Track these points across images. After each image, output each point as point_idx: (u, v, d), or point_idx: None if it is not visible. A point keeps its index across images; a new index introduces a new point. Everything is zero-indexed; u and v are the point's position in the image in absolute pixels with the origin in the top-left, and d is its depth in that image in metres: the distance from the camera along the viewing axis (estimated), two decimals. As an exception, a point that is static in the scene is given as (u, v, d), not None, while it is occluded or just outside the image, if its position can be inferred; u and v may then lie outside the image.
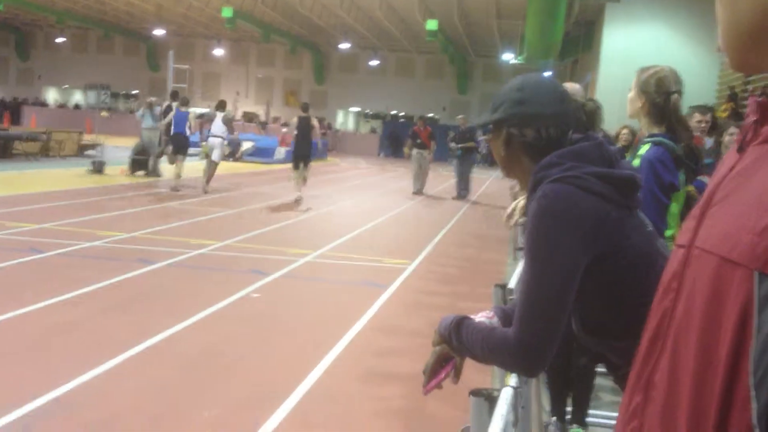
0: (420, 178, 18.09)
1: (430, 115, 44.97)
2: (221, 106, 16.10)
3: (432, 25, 27.45)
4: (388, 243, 10.62)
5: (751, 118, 0.88)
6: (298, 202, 14.04)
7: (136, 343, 4.88)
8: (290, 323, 5.88)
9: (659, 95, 3.02)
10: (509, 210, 4.01)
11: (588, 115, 3.24)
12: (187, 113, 15.56)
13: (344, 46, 40.13)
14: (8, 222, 9.15)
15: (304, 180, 14.46)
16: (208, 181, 15.02)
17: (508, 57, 37.71)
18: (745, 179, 0.84)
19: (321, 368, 4.74)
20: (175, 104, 15.87)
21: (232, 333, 5.44)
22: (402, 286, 7.45)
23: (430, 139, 18.17)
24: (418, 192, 17.92)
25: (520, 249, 3.60)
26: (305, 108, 14.87)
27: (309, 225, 11.72)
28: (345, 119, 48.89)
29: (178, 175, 14.71)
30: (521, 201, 4.72)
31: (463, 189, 18.10)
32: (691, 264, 0.87)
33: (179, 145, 15.11)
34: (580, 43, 28.54)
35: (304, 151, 14.35)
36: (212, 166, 15.24)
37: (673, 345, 0.87)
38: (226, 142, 15.92)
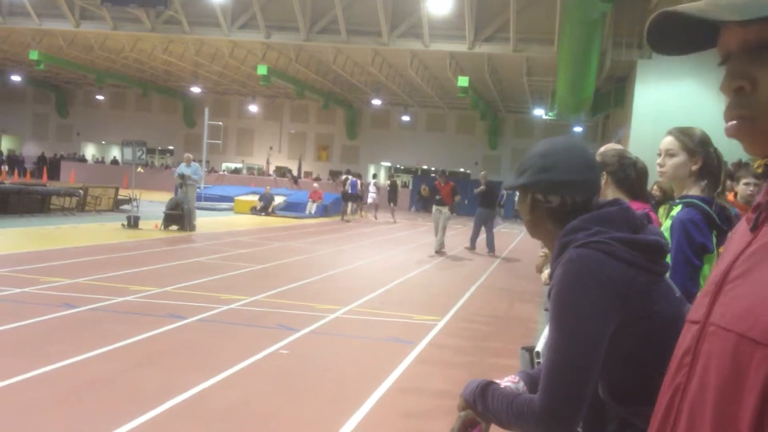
0: (438, 234, 16.94)
1: (461, 169, 45.19)
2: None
3: (463, 81, 27.76)
4: (418, 299, 10.58)
5: (765, 199, 0.89)
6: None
7: (166, 399, 4.89)
8: (318, 381, 5.85)
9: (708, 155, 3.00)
10: (541, 262, 3.99)
11: (638, 173, 3.22)
12: None
13: (376, 102, 40.69)
14: (43, 277, 9.31)
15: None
16: None
17: (539, 113, 37.96)
18: (762, 258, 0.85)
19: (348, 428, 4.70)
20: None
21: (261, 390, 5.43)
22: (431, 343, 7.40)
23: (452, 195, 17.06)
24: (438, 251, 16.70)
25: (548, 310, 3.57)
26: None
27: (338, 280, 11.73)
28: (377, 174, 49.24)
29: None
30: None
31: (475, 238, 18.12)
32: (705, 340, 0.88)
33: None
34: (611, 98, 28.62)
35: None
36: None
37: (688, 421, 0.86)
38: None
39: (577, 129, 37.86)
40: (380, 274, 12.92)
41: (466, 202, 36.72)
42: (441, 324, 8.41)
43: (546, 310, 3.78)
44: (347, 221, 27.11)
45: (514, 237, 25.29)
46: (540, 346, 2.71)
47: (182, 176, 17.85)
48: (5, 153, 49.77)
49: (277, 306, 8.66)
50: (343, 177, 38.66)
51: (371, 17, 25.08)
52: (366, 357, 6.79)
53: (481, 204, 17.97)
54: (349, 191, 30.24)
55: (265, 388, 5.47)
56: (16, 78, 43.58)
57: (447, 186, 17.00)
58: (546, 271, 4.17)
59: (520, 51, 24.77)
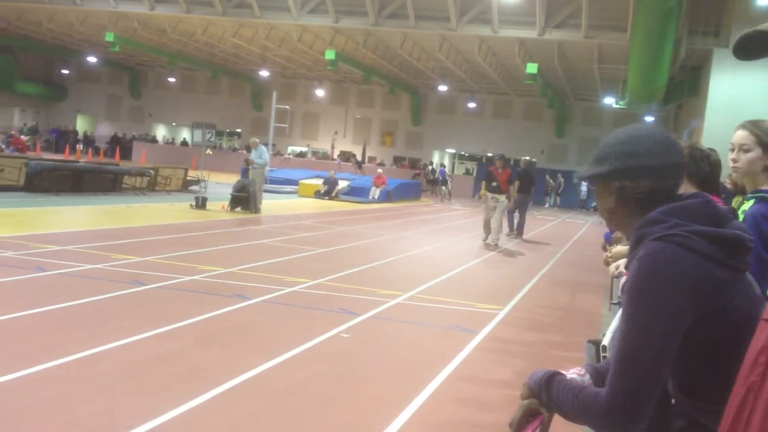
0: (490, 226, 15.47)
1: (527, 157, 44.67)
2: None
3: (532, 68, 27.37)
4: (480, 287, 10.52)
5: None
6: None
7: (230, 378, 4.98)
8: (378, 365, 5.88)
9: None
10: (609, 254, 3.91)
11: (712, 166, 3.12)
12: None
13: (442, 88, 40.47)
14: (114, 254, 9.57)
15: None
16: None
17: (609, 101, 37.19)
18: None
19: (407, 414, 4.71)
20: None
21: (321, 372, 5.48)
22: (492, 332, 7.35)
23: (508, 183, 15.68)
24: (488, 243, 15.40)
25: (616, 303, 3.51)
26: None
27: (400, 266, 11.75)
28: (440, 160, 49.06)
29: None
30: (620, 248, 4.62)
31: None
32: None
33: None
34: (685, 88, 27.82)
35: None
36: None
37: (762, 422, 0.83)
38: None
39: (649, 118, 36.96)
40: (442, 261, 12.89)
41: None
42: (503, 313, 8.34)
43: (613, 303, 3.72)
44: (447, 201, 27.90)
45: (580, 227, 24.93)
46: (607, 340, 2.66)
47: (246, 160, 18.19)
48: (81, 133, 51.30)
49: (338, 290, 8.72)
50: (430, 167, 39.05)
51: (440, 3, 24.91)
52: (426, 344, 6.79)
53: (518, 189, 17.12)
54: (440, 178, 35.06)
55: (325, 371, 5.52)
56: (92, 59, 44.79)
57: (504, 172, 15.56)
58: (614, 264, 4.09)
59: (591, 38, 24.30)
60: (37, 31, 39.15)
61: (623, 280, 3.60)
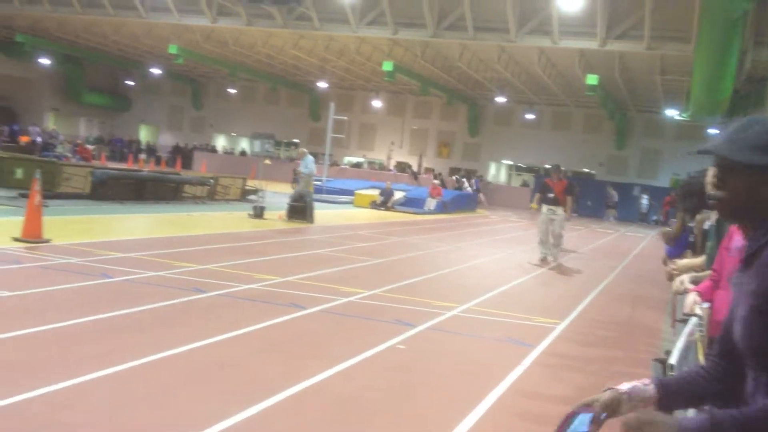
0: (547, 241, 14.63)
1: (586, 170, 44.06)
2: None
3: (592, 80, 27.05)
4: (537, 300, 10.41)
5: None
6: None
7: (287, 386, 5.02)
8: (434, 377, 5.86)
9: None
10: (675, 267, 3.82)
11: None
12: None
13: (500, 99, 40.25)
14: (175, 261, 9.76)
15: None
16: None
17: (672, 113, 36.47)
18: None
19: (464, 427, 4.68)
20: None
21: (377, 383, 5.49)
22: (550, 346, 7.26)
23: (565, 194, 14.53)
24: (546, 260, 14.52)
25: (681, 321, 3.43)
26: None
27: (456, 278, 11.70)
28: (497, 172, 48.77)
29: None
30: (687, 261, 4.52)
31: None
32: None
33: None
34: (750, 100, 27.12)
35: None
36: None
37: None
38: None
39: (713, 131, 36.13)
40: (498, 273, 12.80)
41: (589, 203, 35.91)
42: (561, 327, 8.23)
43: (679, 320, 3.63)
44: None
45: (639, 241, 24.47)
46: (674, 359, 2.60)
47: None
48: (143, 143, 52.53)
49: (394, 300, 8.73)
50: (463, 178, 39.07)
51: (499, 14, 24.82)
52: (483, 356, 6.74)
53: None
54: (474, 188, 34.68)
55: (381, 382, 5.53)
56: (155, 71, 45.86)
57: (561, 183, 14.53)
58: (679, 279, 3.99)
59: (653, 49, 23.90)
60: (104, 44, 40.28)
61: (690, 297, 3.52)
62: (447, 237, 18.58)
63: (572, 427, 1.76)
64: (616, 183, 38.87)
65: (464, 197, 32.52)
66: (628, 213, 37.19)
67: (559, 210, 14.41)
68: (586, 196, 35.32)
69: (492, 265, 13.97)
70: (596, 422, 1.73)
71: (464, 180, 38.92)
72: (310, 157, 19.03)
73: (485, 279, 11.85)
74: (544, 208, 14.52)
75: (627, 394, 1.75)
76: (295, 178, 19.30)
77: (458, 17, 25.83)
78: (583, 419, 1.76)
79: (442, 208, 27.71)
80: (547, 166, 44.44)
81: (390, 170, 45.40)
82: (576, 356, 7.11)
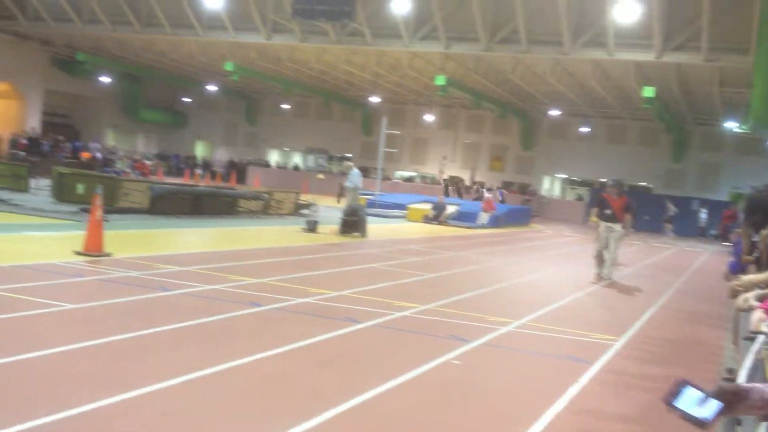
0: (603, 258, 14.17)
1: (642, 183, 43.30)
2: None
3: (649, 92, 26.63)
4: (593, 316, 10.25)
5: None
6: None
7: (342, 401, 5.03)
8: (490, 394, 5.80)
9: None
10: (739, 283, 3.72)
11: None
12: None
13: (554, 112, 39.92)
14: (231, 275, 9.88)
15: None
16: None
17: (731, 126, 35.67)
18: None
19: (521, 444, 4.62)
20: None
21: (433, 399, 5.45)
22: (608, 363, 7.12)
23: (624, 211, 14.04)
24: (602, 276, 14.08)
25: (747, 339, 3.33)
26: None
27: (510, 293, 11.59)
28: (551, 185, 48.28)
29: None
30: (751, 276, 4.40)
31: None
32: None
33: None
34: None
35: None
36: None
37: None
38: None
39: (773, 144, 35.21)
40: (552, 288, 12.64)
41: (646, 217, 35.23)
42: (619, 344, 8.08)
43: (745, 339, 3.53)
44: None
45: (697, 256, 23.93)
46: (742, 378, 2.52)
47: (340, 184, 18.51)
48: (199, 158, 53.48)
49: (448, 315, 8.68)
50: (483, 188, 38.85)
51: (553, 26, 24.66)
52: (540, 373, 6.65)
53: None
54: (500, 198, 34.56)
55: (436, 398, 5.49)
56: (211, 88, 46.71)
57: (620, 200, 14.07)
58: (743, 297, 3.88)
59: (711, 61, 23.44)
60: (161, 62, 41.22)
61: (756, 315, 3.41)
62: (500, 251, 18.44)
63: (681, 399, 1.68)
64: (674, 197, 38.11)
65: (517, 211, 32.26)
66: (687, 227, 36.38)
67: (617, 226, 13.97)
68: (642, 210, 34.67)
69: (546, 280, 13.81)
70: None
71: (484, 190, 38.61)
72: (356, 171, 19.09)
73: (540, 294, 11.72)
74: (602, 224, 14.12)
75: (748, 391, 1.68)
76: (342, 192, 19.39)
77: (511, 31, 25.74)
78: (694, 395, 1.68)
79: (495, 222, 27.52)
80: (603, 180, 43.84)
81: (442, 184, 45.31)
82: (635, 373, 6.96)
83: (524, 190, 45.10)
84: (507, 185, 46.60)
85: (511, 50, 26.71)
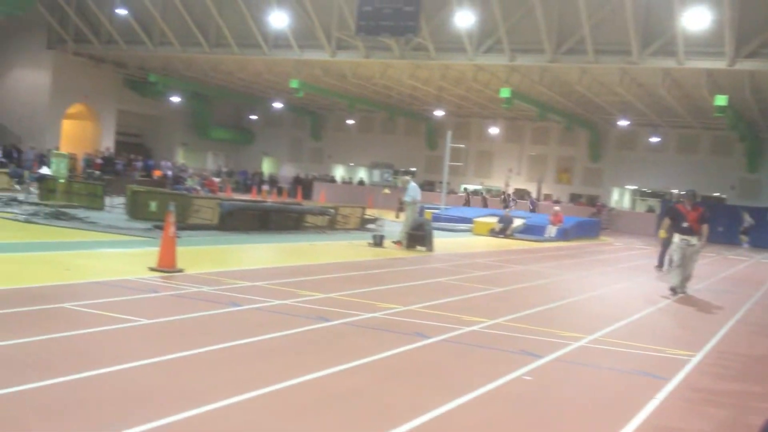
0: (679, 273, 13.53)
1: (716, 194, 42.10)
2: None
3: (721, 100, 25.91)
4: (669, 331, 9.98)
5: None
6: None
7: (412, 417, 4.99)
8: (563, 411, 5.68)
9: None
10: None
11: None
12: None
13: (622, 123, 39.21)
14: (300, 290, 9.97)
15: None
16: None
17: (809, 133, 34.42)
18: None
19: (597, 463, 4.50)
20: None
21: (504, 416, 5.38)
22: (686, 380, 6.91)
23: (700, 223, 13.30)
24: (678, 289, 13.47)
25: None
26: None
27: (581, 307, 11.38)
28: (620, 197, 47.36)
29: None
30: None
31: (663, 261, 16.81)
32: None
33: None
34: None
35: None
36: None
37: None
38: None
39: None
40: (625, 302, 12.36)
41: (720, 229, 34.17)
42: (696, 360, 7.83)
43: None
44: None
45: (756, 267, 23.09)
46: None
47: (399, 199, 18.48)
48: (266, 174, 54.33)
49: (518, 330, 8.56)
50: (510, 196, 38.25)
51: (621, 36, 24.29)
52: (614, 389, 6.49)
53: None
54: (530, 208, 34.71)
55: (508, 415, 5.41)
56: (277, 105, 47.46)
57: (695, 211, 13.34)
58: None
59: (787, 67, 22.71)
60: (229, 81, 42.12)
61: None
62: (570, 265, 18.15)
63: None
64: (750, 207, 36.89)
65: (586, 224, 31.72)
66: (763, 238, 35.13)
67: (694, 240, 13.28)
68: (716, 222, 33.65)
69: (618, 295, 13.52)
70: None
71: (511, 199, 38.26)
72: (413, 184, 19.03)
73: (611, 308, 11.47)
74: (677, 237, 13.47)
75: None
76: (401, 207, 19.36)
77: (578, 41, 25.45)
78: None
79: (564, 235, 27.12)
80: (674, 191, 42.77)
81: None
82: (714, 390, 6.74)
83: (593, 202, 44.35)
84: (575, 198, 45.91)
85: (577, 61, 26.39)
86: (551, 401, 5.90)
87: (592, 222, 33.75)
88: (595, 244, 28.25)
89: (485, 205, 41.04)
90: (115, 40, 34.81)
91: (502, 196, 42.68)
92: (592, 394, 6.29)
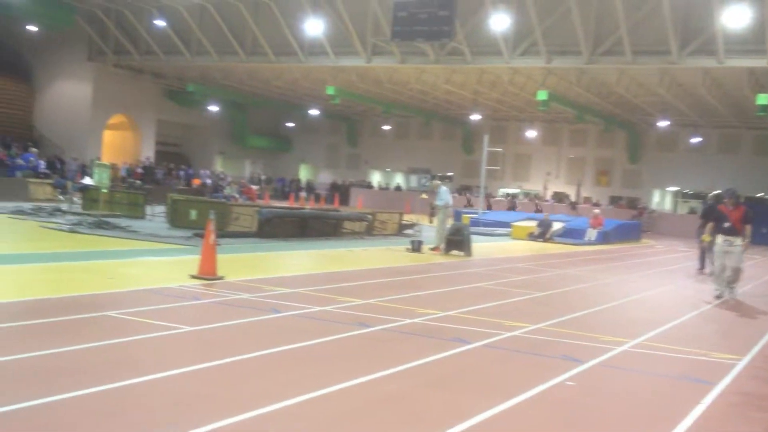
0: (722, 276, 12.97)
1: (761, 194, 41.30)
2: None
3: (763, 99, 25.43)
4: (713, 335, 9.80)
5: None
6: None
7: (454, 423, 4.97)
8: (608, 417, 5.60)
9: None
10: None
11: None
12: None
13: (662, 123, 38.69)
14: (339, 296, 9.99)
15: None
16: None
17: None
18: None
19: (644, 470, 4.43)
20: None
21: (547, 422, 5.32)
22: (733, 384, 6.77)
23: (743, 223, 12.68)
24: (721, 296, 12.98)
25: None
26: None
27: (624, 311, 11.24)
28: (661, 199, 46.70)
29: None
30: None
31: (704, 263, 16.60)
32: None
33: None
34: None
35: None
36: None
37: None
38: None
39: None
40: (668, 306, 12.18)
41: (765, 230, 33.47)
42: (742, 364, 7.67)
43: None
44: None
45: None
46: None
47: (430, 203, 18.41)
48: (303, 181, 54.65)
49: (559, 335, 8.48)
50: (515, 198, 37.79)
51: (659, 36, 23.99)
52: (659, 395, 6.39)
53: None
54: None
55: (552, 421, 5.35)
56: (313, 112, 47.72)
57: (738, 210, 12.74)
58: None
59: (832, 63, 22.21)
60: (266, 89, 42.50)
61: None
62: (610, 268, 17.94)
63: None
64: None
65: (627, 227, 31.34)
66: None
67: (737, 240, 12.68)
68: (761, 223, 32.99)
69: (661, 298, 13.31)
70: None
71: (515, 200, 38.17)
72: (444, 188, 18.95)
73: (654, 313, 11.30)
74: (720, 238, 12.94)
75: None
76: (433, 212, 19.30)
77: (615, 42, 25.19)
78: None
79: (604, 238, 26.81)
80: (717, 192, 42.00)
81: (546, 201, 44.61)
82: (762, 394, 6.60)
83: (633, 204, 43.80)
84: (615, 200, 45.39)
85: (615, 62, 26.12)
86: (595, 407, 5.83)
87: (632, 225, 33.32)
88: (637, 247, 27.89)
89: (512, 209, 40.98)
90: (153, 51, 35.33)
91: (509, 197, 42.69)
92: (636, 399, 6.19)
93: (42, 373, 5.44)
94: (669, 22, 23.38)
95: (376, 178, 55.06)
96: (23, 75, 39.83)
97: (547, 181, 47.13)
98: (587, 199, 45.15)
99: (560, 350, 7.64)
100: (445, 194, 18.67)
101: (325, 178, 54.86)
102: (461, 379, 6.34)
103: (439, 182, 19.59)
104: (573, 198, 44.97)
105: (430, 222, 23.02)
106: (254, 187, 44.12)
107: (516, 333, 8.42)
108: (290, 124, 55.09)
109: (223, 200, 26.39)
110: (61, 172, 34.31)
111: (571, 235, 26.94)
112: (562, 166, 47.88)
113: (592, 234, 26.64)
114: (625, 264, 19.85)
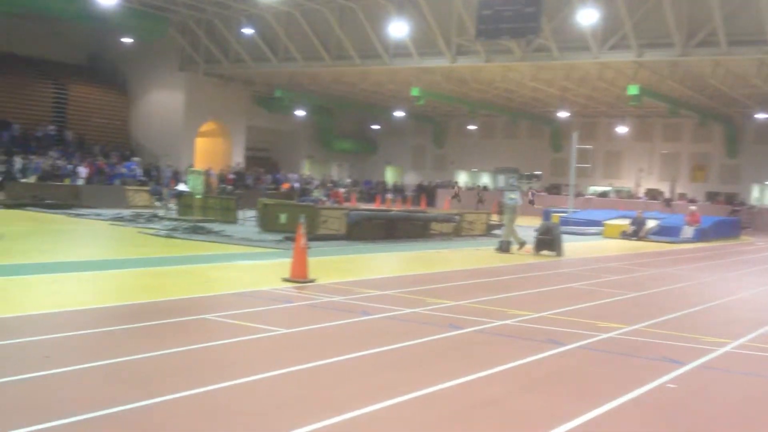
0: None
1: None
2: None
3: None
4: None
5: None
6: None
7: (552, 426, 4.86)
8: (715, 421, 5.38)
9: None
10: None
11: None
12: None
13: (761, 116, 37.10)
14: (429, 298, 9.97)
15: None
16: None
17: None
18: None
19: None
20: None
21: (652, 425, 5.15)
22: None
23: None
24: None
25: None
26: None
27: (725, 311, 10.80)
28: (761, 194, 44.78)
29: None
30: None
31: None
32: None
33: None
34: None
35: None
36: None
37: None
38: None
39: None
40: (774, 306, 11.63)
41: None
42: None
43: None
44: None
45: None
46: None
47: (498, 201, 18.01)
48: (390, 183, 54.90)
49: (657, 336, 8.21)
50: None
51: (756, 25, 23.02)
52: (766, 398, 6.10)
53: None
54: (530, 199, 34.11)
55: (653, 425, 5.18)
56: (399, 114, 47.87)
57: None
58: None
59: None
60: (351, 92, 42.90)
61: None
62: (709, 267, 17.30)
63: None
64: None
65: (725, 223, 30.16)
66: None
67: None
68: None
69: (763, 297, 12.74)
70: None
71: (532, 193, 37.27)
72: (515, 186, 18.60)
73: (758, 312, 10.82)
74: None
75: None
76: (501, 210, 18.93)
77: (709, 33, 24.30)
78: None
79: (701, 236, 25.87)
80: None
81: (639, 198, 43.40)
82: None
83: (731, 200, 42.13)
84: (712, 196, 43.76)
85: (709, 53, 25.20)
86: (698, 411, 5.61)
87: (731, 221, 32.06)
88: (736, 244, 26.81)
89: (531, 203, 40.50)
90: (242, 58, 36.18)
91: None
92: (741, 402, 5.93)
93: (143, 375, 5.62)
94: (766, 10, 22.38)
95: (462, 179, 54.75)
96: (120, 86, 41.50)
97: (640, 177, 45.83)
98: (682, 196, 43.70)
99: (659, 352, 7.40)
100: (511, 193, 18.41)
101: (411, 179, 54.94)
102: (557, 381, 6.21)
103: (512, 181, 19.02)
104: (667, 195, 43.60)
105: (499, 220, 22.64)
106: (341, 190, 44.59)
107: (612, 334, 8.20)
108: (375, 127, 55.44)
109: (312, 204, 26.76)
110: (156, 179, 35.53)
111: (667, 232, 26.10)
112: (655, 162, 46.51)
113: (688, 231, 25.75)
114: (724, 262, 19.10)
